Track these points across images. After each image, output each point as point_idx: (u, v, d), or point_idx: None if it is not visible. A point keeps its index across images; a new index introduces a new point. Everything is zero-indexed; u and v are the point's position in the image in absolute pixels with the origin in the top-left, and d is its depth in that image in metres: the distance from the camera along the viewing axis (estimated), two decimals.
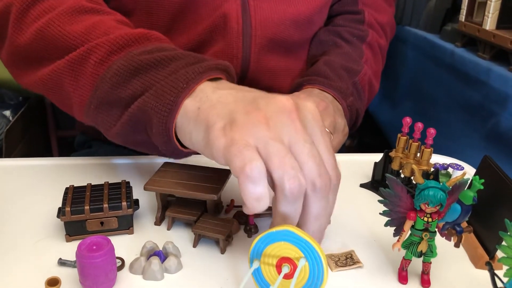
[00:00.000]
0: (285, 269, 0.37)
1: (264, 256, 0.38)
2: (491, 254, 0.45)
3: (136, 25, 0.59)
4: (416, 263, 0.45)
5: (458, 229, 0.43)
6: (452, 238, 0.44)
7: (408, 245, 0.43)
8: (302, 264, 0.37)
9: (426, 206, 0.41)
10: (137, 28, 0.54)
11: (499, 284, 0.38)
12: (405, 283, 0.44)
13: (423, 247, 0.43)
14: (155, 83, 0.47)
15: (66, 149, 1.74)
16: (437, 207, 0.41)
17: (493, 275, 0.37)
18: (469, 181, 0.41)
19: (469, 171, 0.65)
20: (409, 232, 0.43)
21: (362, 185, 0.63)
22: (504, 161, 0.83)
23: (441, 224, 0.43)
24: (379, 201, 0.44)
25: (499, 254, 0.39)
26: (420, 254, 0.43)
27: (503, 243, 0.38)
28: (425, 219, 0.42)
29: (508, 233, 0.38)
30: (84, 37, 0.52)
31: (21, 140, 1.48)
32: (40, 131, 1.67)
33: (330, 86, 0.70)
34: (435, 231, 0.42)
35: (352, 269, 0.46)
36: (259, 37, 0.71)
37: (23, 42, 0.55)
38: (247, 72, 0.73)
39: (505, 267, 0.38)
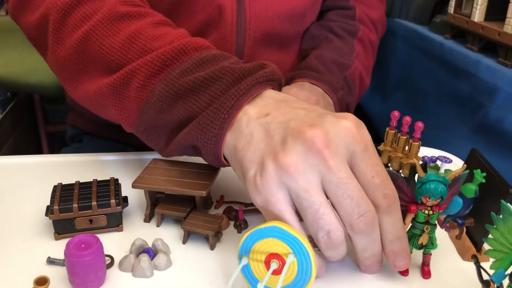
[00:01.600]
0: (274, 265, 0.38)
1: (252, 252, 0.38)
2: (478, 246, 0.46)
3: None
4: (413, 255, 0.45)
5: (460, 221, 0.44)
6: (452, 230, 0.45)
7: (410, 238, 0.43)
8: (291, 260, 0.37)
9: (427, 199, 0.41)
10: (178, 31, 0.53)
11: (485, 276, 0.38)
12: (407, 275, 0.45)
13: (424, 239, 0.43)
14: (199, 112, 0.46)
15: (56, 145, 1.73)
16: (438, 200, 0.41)
17: (479, 268, 0.37)
18: (467, 174, 0.41)
19: (458, 164, 0.66)
20: (410, 225, 0.43)
21: None
22: (492, 153, 0.84)
23: (442, 217, 0.43)
24: None
25: (486, 246, 0.39)
26: (421, 247, 0.44)
27: (490, 236, 0.39)
28: (426, 212, 0.42)
29: (495, 226, 0.38)
30: (123, 53, 0.51)
31: (10, 136, 1.47)
32: (30, 127, 1.65)
33: (321, 80, 0.70)
34: (436, 224, 0.43)
35: None
36: (253, 30, 0.71)
37: (63, 53, 0.55)
38: None
39: (491, 260, 0.39)
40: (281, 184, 0.40)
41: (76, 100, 0.58)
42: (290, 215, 0.40)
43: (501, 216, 0.38)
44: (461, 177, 0.42)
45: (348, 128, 0.41)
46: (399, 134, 0.57)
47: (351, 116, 0.42)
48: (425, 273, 0.45)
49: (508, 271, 0.38)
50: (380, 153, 0.60)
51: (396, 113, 0.57)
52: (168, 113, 0.48)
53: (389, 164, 0.59)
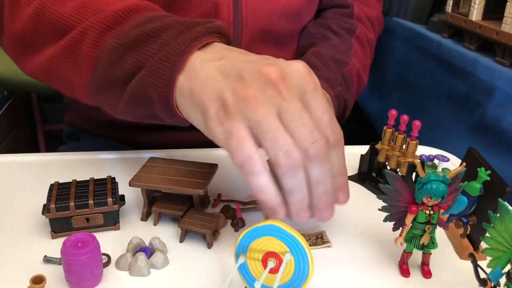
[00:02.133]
0: (271, 264, 0.38)
1: (250, 251, 0.38)
2: (475, 245, 0.46)
3: None
4: (413, 255, 0.45)
5: (464, 220, 0.44)
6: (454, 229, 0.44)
7: (410, 239, 0.43)
8: (288, 258, 0.37)
9: (429, 199, 0.41)
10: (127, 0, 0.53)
11: (482, 275, 0.38)
12: (408, 276, 0.45)
13: (425, 239, 0.43)
14: (149, 58, 0.47)
15: (53, 144, 1.73)
16: (439, 200, 0.41)
17: (476, 267, 0.37)
18: (464, 172, 0.41)
19: (455, 162, 0.66)
20: (410, 225, 0.43)
21: (348, 178, 0.63)
22: (490, 152, 0.84)
23: (444, 217, 0.43)
24: (378, 197, 0.44)
25: (484, 245, 0.39)
26: (422, 247, 0.43)
27: (487, 234, 0.39)
28: (427, 212, 0.42)
29: (492, 225, 0.38)
30: (76, 17, 0.51)
31: (7, 135, 1.46)
32: (27, 126, 1.65)
33: (319, 76, 0.69)
34: (436, 223, 0.43)
35: (321, 248, 0.47)
36: (250, 27, 0.71)
37: (19, 28, 0.55)
38: None
39: (488, 258, 0.39)
40: (242, 115, 0.41)
41: (31, 74, 0.58)
42: (249, 142, 0.41)
43: (498, 215, 0.38)
44: (459, 175, 0.42)
45: (300, 69, 0.44)
46: (396, 133, 0.57)
47: (302, 62, 0.45)
48: (426, 272, 0.45)
49: (505, 270, 0.38)
50: (377, 151, 0.60)
51: (393, 112, 0.57)
52: (119, 66, 0.48)
53: (387, 163, 0.60)
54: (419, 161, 0.51)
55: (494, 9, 0.98)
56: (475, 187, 0.40)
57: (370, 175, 0.61)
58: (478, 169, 0.40)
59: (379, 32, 0.94)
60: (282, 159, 0.40)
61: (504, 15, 0.90)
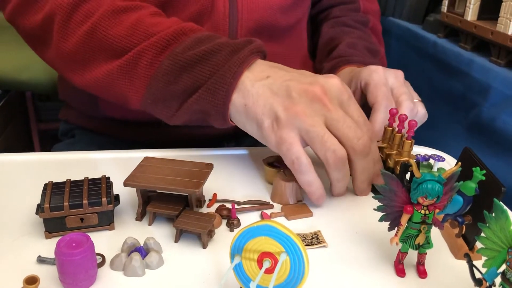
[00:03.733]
0: (266, 264, 0.37)
1: (245, 251, 0.38)
2: (470, 245, 0.45)
3: None
4: (408, 255, 0.45)
5: (460, 220, 0.43)
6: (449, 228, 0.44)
7: (406, 239, 0.43)
8: (283, 258, 0.37)
9: (424, 199, 0.41)
10: (171, 19, 0.61)
11: (477, 275, 0.38)
12: (403, 276, 0.45)
13: (420, 239, 0.43)
14: (205, 79, 0.55)
15: (48, 142, 1.72)
16: (435, 200, 0.41)
17: (471, 267, 0.37)
18: (459, 172, 0.41)
19: (451, 162, 0.66)
20: (406, 225, 0.43)
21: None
22: (485, 152, 0.84)
23: (439, 216, 0.43)
24: (374, 197, 0.44)
25: (479, 245, 0.39)
26: (417, 247, 0.43)
27: (482, 234, 0.39)
28: (422, 211, 0.42)
29: (487, 225, 0.38)
30: (128, 39, 0.58)
31: (1, 134, 1.45)
32: (21, 125, 1.64)
33: (368, 63, 0.73)
34: (431, 223, 0.43)
35: (316, 248, 0.47)
36: (246, 20, 0.72)
37: (69, 47, 0.61)
38: None
39: (484, 258, 0.39)
40: (293, 126, 0.51)
41: (82, 86, 0.64)
42: (298, 145, 0.51)
43: (493, 215, 0.38)
44: (454, 175, 0.42)
45: (337, 83, 0.54)
46: (394, 132, 0.57)
47: (336, 76, 0.55)
48: (421, 272, 0.45)
49: (500, 270, 0.38)
50: (380, 149, 0.60)
51: (394, 110, 0.57)
52: (175, 84, 0.56)
53: (386, 162, 0.59)
54: (415, 160, 0.52)
55: (489, 9, 0.98)
56: (471, 187, 0.40)
57: None
58: (473, 168, 0.40)
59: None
60: (329, 157, 0.51)
61: (499, 15, 0.90)
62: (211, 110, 0.56)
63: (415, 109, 0.63)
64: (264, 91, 0.54)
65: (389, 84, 0.64)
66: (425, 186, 0.40)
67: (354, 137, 0.52)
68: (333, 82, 0.53)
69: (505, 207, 0.55)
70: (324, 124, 0.51)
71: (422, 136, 0.66)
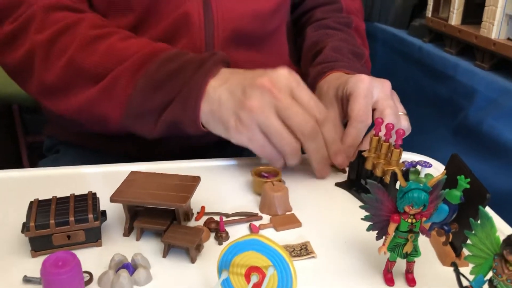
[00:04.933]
0: (254, 278, 0.37)
1: (232, 266, 0.38)
2: (457, 252, 0.46)
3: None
4: (397, 263, 0.45)
5: (446, 228, 0.44)
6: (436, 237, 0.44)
7: (394, 247, 0.43)
8: (271, 272, 0.37)
9: (411, 208, 0.41)
10: (141, 41, 0.66)
11: (465, 282, 0.38)
12: (392, 285, 0.45)
13: (408, 248, 0.43)
14: (176, 94, 0.61)
15: (36, 155, 1.70)
16: (421, 208, 0.41)
17: (458, 274, 0.37)
18: (444, 180, 0.42)
19: (438, 167, 0.66)
20: (393, 234, 0.43)
21: (337, 184, 0.63)
22: (472, 156, 0.85)
23: (426, 225, 0.43)
24: (361, 207, 0.44)
25: (466, 252, 0.40)
26: (405, 255, 0.43)
27: (469, 241, 0.39)
28: (409, 220, 0.42)
29: (473, 232, 0.38)
30: (103, 66, 0.63)
31: None
32: (9, 138, 1.62)
33: (353, 68, 0.74)
34: (419, 231, 0.43)
35: (305, 259, 0.47)
36: (222, 31, 0.73)
37: (51, 79, 0.66)
38: None
39: (471, 265, 0.39)
40: (252, 122, 0.57)
41: (64, 113, 0.68)
42: (265, 143, 0.58)
43: (479, 222, 0.38)
44: (440, 183, 0.42)
45: (284, 73, 0.59)
46: (382, 141, 0.57)
47: (285, 67, 0.60)
48: (410, 280, 0.45)
49: (487, 277, 0.38)
50: (365, 159, 0.60)
51: (380, 120, 0.57)
52: (150, 101, 0.62)
53: (373, 171, 0.60)
54: (402, 169, 0.52)
55: (472, 14, 0.99)
56: (456, 195, 0.40)
57: (358, 182, 0.61)
58: (458, 177, 0.40)
59: (363, 18, 0.98)
60: (287, 150, 0.58)
61: (482, 19, 0.91)
62: (184, 120, 0.61)
63: (398, 124, 0.63)
64: (224, 95, 0.59)
65: (374, 95, 0.64)
66: (411, 195, 0.40)
67: (301, 122, 0.57)
68: (280, 73, 0.59)
69: (490, 214, 0.55)
70: (276, 114, 0.57)
71: (410, 140, 0.66)
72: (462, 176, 0.40)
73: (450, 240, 0.45)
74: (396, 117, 0.63)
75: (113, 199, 0.49)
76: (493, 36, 0.89)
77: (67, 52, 0.64)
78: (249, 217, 0.54)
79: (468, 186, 0.39)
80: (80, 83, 0.65)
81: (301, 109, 0.57)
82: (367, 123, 0.62)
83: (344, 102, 0.67)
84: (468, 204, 0.45)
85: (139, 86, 0.62)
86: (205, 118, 0.61)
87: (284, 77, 0.58)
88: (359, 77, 0.65)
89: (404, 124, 0.65)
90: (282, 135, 0.57)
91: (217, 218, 0.53)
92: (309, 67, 0.80)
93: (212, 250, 0.49)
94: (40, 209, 0.48)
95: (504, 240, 0.36)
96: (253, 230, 0.52)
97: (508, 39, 0.88)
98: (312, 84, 0.76)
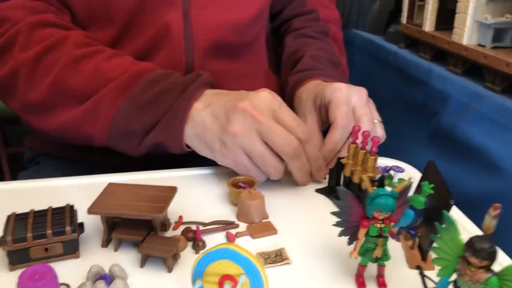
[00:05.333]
0: (227, 286, 0.38)
1: (206, 275, 0.39)
2: (424, 255, 0.47)
3: None
4: (368, 268, 0.47)
5: (413, 232, 0.45)
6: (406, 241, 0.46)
7: (364, 252, 0.45)
8: (243, 280, 0.38)
9: (379, 213, 0.42)
10: (125, 59, 0.67)
11: (431, 284, 0.40)
12: None
13: (378, 252, 0.44)
14: (160, 117, 0.62)
15: (18, 166, 1.69)
16: (389, 213, 0.42)
17: (423, 277, 0.39)
18: (411, 185, 0.43)
19: (411, 172, 0.68)
20: (364, 239, 0.44)
21: (317, 190, 0.64)
22: (446, 159, 0.87)
23: (395, 230, 0.44)
24: (332, 213, 0.45)
25: (434, 255, 0.41)
26: (376, 260, 0.45)
27: (435, 245, 0.41)
28: (378, 225, 0.43)
29: (439, 236, 0.40)
30: (89, 86, 0.64)
31: None
32: None
33: (331, 76, 0.75)
34: (388, 236, 0.44)
35: (280, 265, 0.49)
36: (201, 42, 0.74)
37: (35, 98, 0.66)
38: None
39: (437, 268, 0.40)
40: (237, 147, 0.59)
41: (47, 131, 0.69)
42: (251, 164, 0.60)
43: (444, 226, 0.40)
44: (407, 188, 0.43)
45: (265, 95, 0.60)
46: (359, 148, 0.59)
47: (266, 89, 0.61)
48: (381, 284, 0.46)
49: (452, 278, 0.39)
50: (343, 166, 0.61)
51: (357, 128, 0.59)
52: (134, 124, 0.63)
53: (351, 178, 0.61)
54: (378, 176, 0.53)
55: (445, 20, 1.02)
56: (420, 200, 0.42)
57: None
58: (422, 183, 0.42)
59: (341, 27, 1.00)
60: (272, 172, 0.60)
61: (454, 26, 0.94)
62: (168, 143, 0.63)
63: (373, 131, 0.65)
64: (208, 118, 0.61)
65: (351, 102, 0.66)
66: (379, 201, 0.42)
67: (284, 143, 0.58)
68: (261, 95, 0.60)
69: (459, 216, 0.57)
70: (259, 137, 0.58)
71: (387, 145, 0.68)
72: (426, 182, 0.41)
73: (416, 244, 0.47)
74: (372, 124, 0.65)
75: (90, 211, 0.50)
76: (464, 42, 0.91)
77: (52, 71, 0.65)
78: (226, 225, 0.55)
79: (431, 191, 0.41)
80: (65, 103, 0.66)
81: (283, 131, 0.58)
82: (349, 128, 0.63)
83: (322, 111, 0.69)
84: (437, 209, 0.47)
85: (123, 107, 0.63)
86: (189, 140, 0.63)
87: (266, 99, 0.60)
88: (337, 85, 0.67)
89: (379, 131, 0.67)
90: (265, 158, 0.58)
91: (194, 227, 0.54)
92: (288, 75, 0.82)
93: (189, 259, 0.50)
94: (17, 223, 0.48)
95: (466, 243, 0.37)
96: (229, 238, 0.53)
97: (479, 45, 0.90)
98: (291, 92, 0.78)
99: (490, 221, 0.37)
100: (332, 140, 0.64)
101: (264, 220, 0.56)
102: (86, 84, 0.64)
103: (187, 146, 0.64)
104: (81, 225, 0.51)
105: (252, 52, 0.84)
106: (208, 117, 0.61)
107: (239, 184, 0.60)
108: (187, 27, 0.72)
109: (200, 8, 0.74)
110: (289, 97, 0.79)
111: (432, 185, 0.41)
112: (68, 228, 0.48)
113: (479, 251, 0.36)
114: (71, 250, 0.49)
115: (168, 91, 0.63)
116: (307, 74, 0.76)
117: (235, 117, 0.58)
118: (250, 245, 0.52)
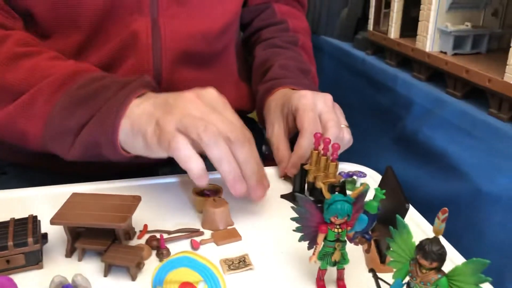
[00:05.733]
0: None
1: (166, 283, 0.40)
2: (382, 258, 0.49)
3: (52, 47, 0.69)
4: (328, 272, 0.48)
5: (367, 236, 0.47)
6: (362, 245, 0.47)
7: (323, 256, 0.46)
8: (201, 287, 0.38)
9: (336, 218, 0.44)
10: (68, 62, 0.65)
11: (385, 286, 0.41)
12: None
13: (336, 256, 0.46)
14: (96, 112, 0.58)
15: None
16: (345, 218, 0.44)
17: (376, 279, 0.40)
18: (368, 190, 0.44)
19: (373, 176, 0.70)
20: (322, 244, 0.46)
21: (282, 196, 0.65)
22: (410, 162, 0.89)
23: (351, 234, 0.46)
24: (291, 218, 0.46)
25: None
26: (334, 263, 0.46)
27: (390, 248, 0.42)
28: (336, 230, 0.45)
29: (393, 239, 0.41)
30: (26, 82, 0.61)
31: None
32: None
33: (300, 84, 0.76)
34: (345, 240, 0.45)
35: (243, 271, 0.49)
36: (170, 50, 0.75)
37: None
38: (160, 84, 0.76)
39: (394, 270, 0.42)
40: (171, 125, 0.53)
41: None
42: (179, 137, 0.53)
43: (398, 230, 0.41)
44: (363, 194, 0.45)
45: (212, 92, 0.58)
46: (320, 155, 0.60)
47: (213, 88, 0.59)
48: (341, 287, 0.48)
49: (406, 280, 0.41)
50: (307, 172, 0.63)
51: (318, 135, 0.60)
52: (70, 119, 0.59)
53: (315, 183, 0.62)
54: (340, 181, 0.55)
55: (409, 27, 1.04)
56: (373, 205, 0.43)
57: (302, 194, 0.64)
58: (375, 188, 0.43)
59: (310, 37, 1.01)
60: (203, 135, 0.52)
61: (417, 33, 0.97)
62: (101, 139, 0.58)
63: (340, 135, 0.66)
64: (147, 107, 0.57)
65: (317, 109, 0.67)
66: (335, 206, 0.43)
67: (228, 127, 0.54)
68: (208, 90, 0.58)
69: (417, 219, 0.59)
70: (199, 117, 0.54)
71: (353, 149, 0.70)
72: (378, 188, 0.43)
73: (371, 247, 0.48)
74: (339, 129, 0.66)
75: (53, 221, 0.50)
76: (427, 49, 0.94)
77: None
78: (190, 233, 0.56)
79: (383, 197, 0.42)
80: (1, 98, 0.63)
81: (227, 121, 0.55)
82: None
83: (289, 119, 0.70)
84: (394, 214, 0.48)
85: (59, 104, 0.60)
86: (124, 136, 0.57)
87: (212, 94, 0.58)
88: (302, 93, 0.68)
89: (346, 136, 0.69)
90: (197, 123, 0.53)
91: (159, 235, 0.54)
92: (258, 84, 0.83)
93: (153, 267, 0.49)
94: None
95: (417, 246, 0.39)
96: (194, 245, 0.53)
97: (441, 51, 0.93)
98: (261, 101, 0.79)
99: (439, 224, 0.38)
100: (301, 146, 0.65)
101: (229, 227, 0.57)
102: (22, 79, 0.62)
103: (123, 150, 0.59)
104: (44, 235, 0.51)
105: (222, 61, 0.85)
106: (149, 106, 0.57)
107: (204, 191, 0.61)
108: (156, 35, 0.73)
109: (169, 17, 0.74)
110: (259, 106, 0.80)
111: (384, 191, 0.43)
112: (30, 239, 0.48)
113: (429, 253, 0.37)
114: (34, 261, 0.49)
115: (106, 87, 0.60)
116: (277, 83, 0.78)
117: (176, 102, 0.56)
118: (214, 252, 0.53)
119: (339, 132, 0.66)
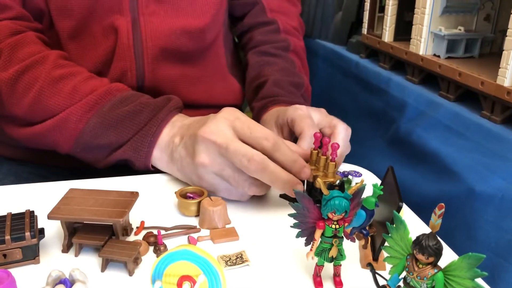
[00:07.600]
0: (186, 286, 0.39)
1: (165, 276, 0.40)
2: (375, 254, 0.49)
3: None
4: (325, 267, 0.48)
5: (364, 232, 0.47)
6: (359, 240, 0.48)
7: (320, 252, 0.46)
8: (201, 280, 0.39)
9: (333, 214, 0.44)
10: (102, 81, 0.70)
11: (382, 282, 0.42)
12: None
13: (334, 252, 0.46)
14: (130, 137, 0.65)
15: None
16: (343, 214, 0.44)
17: (374, 274, 0.41)
18: (365, 187, 0.45)
19: (367, 176, 0.70)
20: (320, 240, 0.46)
21: (281, 196, 0.66)
22: (404, 163, 0.90)
23: (349, 230, 0.46)
24: (289, 215, 0.47)
25: (386, 254, 0.43)
26: (331, 259, 0.46)
27: (386, 244, 0.43)
28: (333, 226, 0.45)
29: (390, 235, 0.42)
30: (65, 104, 0.66)
31: None
32: None
33: (293, 102, 0.77)
34: (343, 236, 0.46)
35: (240, 267, 0.50)
36: (151, 48, 0.76)
37: (21, 113, 0.68)
38: (143, 83, 0.76)
39: (388, 267, 0.42)
40: (209, 175, 0.60)
41: (16, 137, 0.71)
42: (230, 187, 0.60)
43: (394, 226, 0.42)
44: (360, 190, 0.45)
45: (223, 116, 0.60)
46: (320, 154, 0.61)
47: (226, 108, 0.61)
48: (337, 283, 0.48)
49: (402, 275, 0.41)
50: None
51: (318, 134, 0.61)
52: (102, 138, 0.65)
53: (314, 183, 0.62)
54: (339, 180, 0.55)
55: (403, 31, 1.06)
56: (371, 201, 0.44)
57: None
58: (373, 184, 0.44)
59: (303, 34, 1.03)
60: (249, 190, 0.60)
61: (411, 36, 0.98)
62: (135, 162, 0.65)
63: (348, 129, 0.67)
64: (177, 148, 0.63)
65: (315, 118, 0.68)
66: (333, 203, 0.44)
67: (243, 161, 0.56)
68: (219, 117, 0.60)
69: (411, 217, 0.60)
70: (226, 161, 0.58)
71: (350, 151, 0.71)
72: (377, 184, 0.43)
73: (368, 243, 0.49)
74: (344, 123, 0.68)
75: (50, 216, 0.50)
76: (421, 52, 0.95)
77: (32, 88, 0.67)
78: (187, 229, 0.56)
79: (381, 192, 0.43)
80: (43, 118, 0.67)
81: (242, 148, 0.56)
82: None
83: (284, 130, 0.71)
84: (391, 212, 0.49)
85: (91, 122, 0.65)
86: (157, 163, 0.65)
87: (223, 119, 0.59)
88: (297, 106, 0.70)
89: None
90: (237, 179, 0.58)
91: (156, 232, 0.54)
92: (252, 101, 0.85)
93: (150, 263, 0.50)
94: None
95: (414, 241, 0.39)
96: (191, 242, 0.53)
97: (434, 55, 0.94)
98: (256, 118, 0.81)
99: (436, 220, 0.39)
100: (304, 148, 0.65)
101: (227, 226, 0.57)
102: (63, 103, 0.66)
103: (153, 166, 0.66)
104: (41, 230, 0.51)
105: (209, 56, 0.85)
106: (178, 146, 0.63)
107: (188, 194, 0.61)
108: (136, 34, 0.74)
109: (149, 15, 0.75)
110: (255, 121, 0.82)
111: (382, 186, 0.43)
112: (27, 234, 0.48)
113: (426, 248, 0.38)
114: (31, 255, 0.49)
115: (138, 111, 0.65)
116: (271, 101, 0.80)
117: (199, 148, 0.59)
118: (211, 249, 0.53)
119: (347, 126, 0.68)
